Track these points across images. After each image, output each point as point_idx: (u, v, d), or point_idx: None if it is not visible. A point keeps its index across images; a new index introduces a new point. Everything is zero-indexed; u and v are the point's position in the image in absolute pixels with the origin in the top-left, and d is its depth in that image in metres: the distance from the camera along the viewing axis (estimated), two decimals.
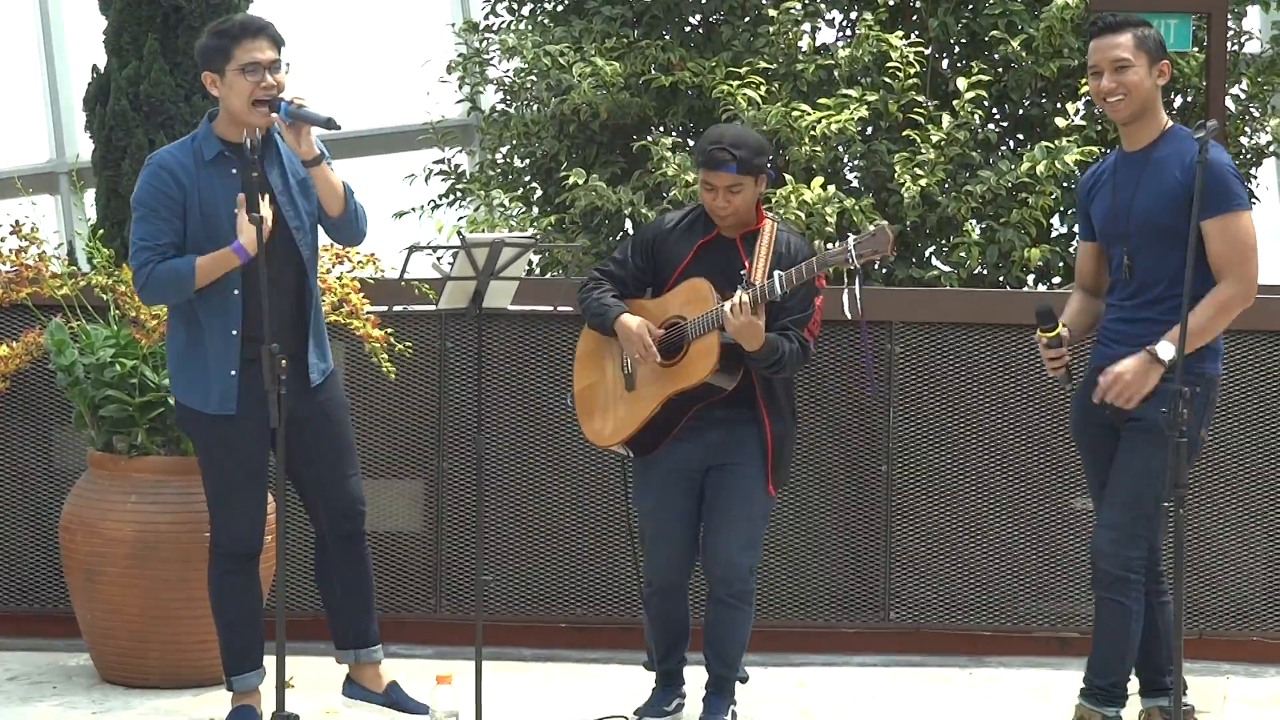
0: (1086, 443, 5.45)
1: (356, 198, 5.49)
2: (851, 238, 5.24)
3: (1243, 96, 9.69)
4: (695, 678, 5.76)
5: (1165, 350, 5.07)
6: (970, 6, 9.39)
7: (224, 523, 5.48)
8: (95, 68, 8.88)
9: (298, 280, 5.43)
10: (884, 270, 8.94)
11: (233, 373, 5.36)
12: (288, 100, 5.28)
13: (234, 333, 5.35)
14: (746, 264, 5.42)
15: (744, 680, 5.75)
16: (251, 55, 5.32)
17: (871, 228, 5.23)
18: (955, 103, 8.69)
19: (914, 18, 9.36)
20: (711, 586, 5.61)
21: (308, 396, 5.45)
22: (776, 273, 5.29)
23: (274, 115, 5.28)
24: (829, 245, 5.35)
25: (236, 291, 5.35)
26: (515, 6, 10.06)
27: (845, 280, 5.32)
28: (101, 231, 7.76)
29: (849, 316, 5.36)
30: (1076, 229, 5.75)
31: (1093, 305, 5.49)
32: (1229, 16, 8.87)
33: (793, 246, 5.50)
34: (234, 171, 5.37)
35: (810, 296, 5.46)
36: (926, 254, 9.14)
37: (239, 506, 5.47)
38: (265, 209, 5.18)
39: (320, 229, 5.56)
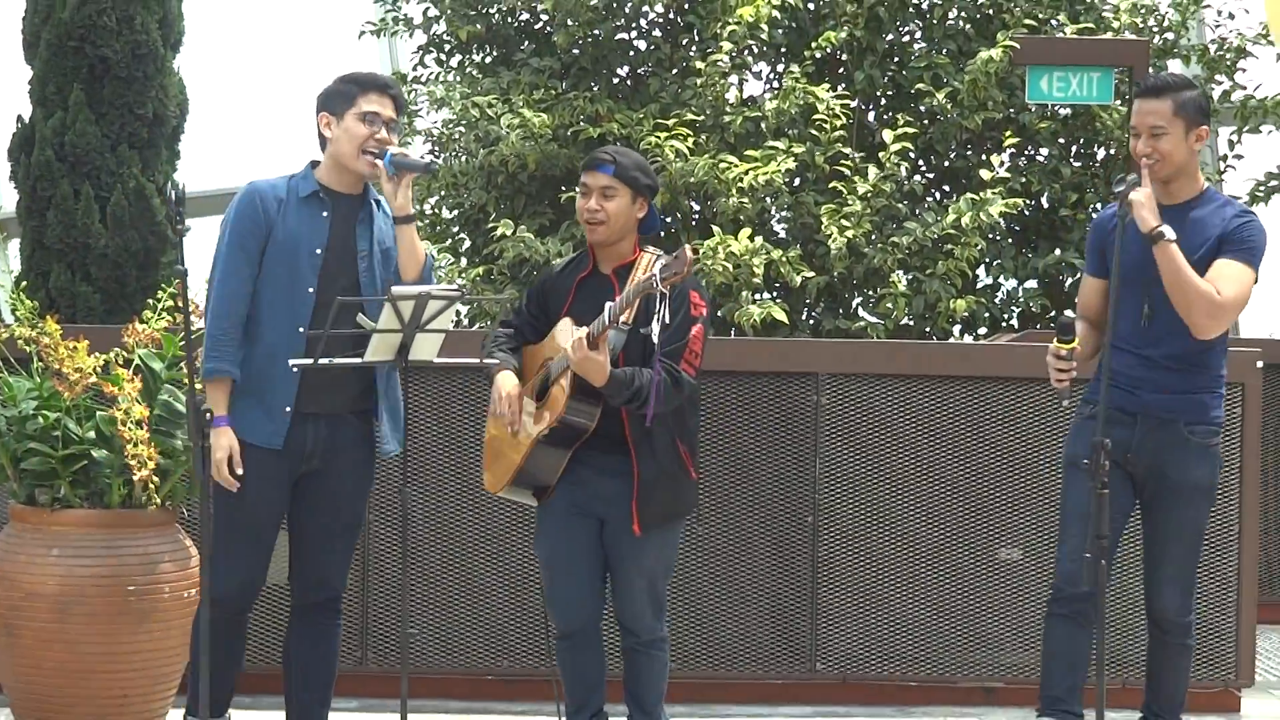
0: (1084, 471, 5.32)
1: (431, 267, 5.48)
2: (659, 263, 5.19)
3: None
4: None
5: (1170, 233, 5.26)
6: (896, 60, 9.48)
7: (219, 571, 5.23)
8: (20, 118, 8.85)
9: (356, 344, 5.32)
10: (811, 321, 8.99)
11: (287, 409, 5.30)
12: (392, 151, 5.32)
13: (294, 371, 5.28)
14: (617, 298, 5.36)
15: None
16: (374, 106, 5.34)
17: (675, 252, 5.15)
18: (881, 155, 8.76)
19: (840, 70, 9.45)
20: (622, 637, 5.58)
21: (335, 452, 5.37)
22: (608, 304, 5.27)
23: (379, 163, 5.30)
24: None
25: (301, 329, 5.28)
26: (444, 58, 10.11)
27: (657, 302, 5.21)
28: (25, 283, 7.72)
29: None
30: (1084, 266, 5.91)
31: (1094, 335, 5.58)
32: (1150, 70, 8.99)
33: None
34: (324, 214, 5.34)
35: (686, 326, 5.33)
36: (853, 305, 9.20)
37: (238, 554, 5.31)
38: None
39: None
